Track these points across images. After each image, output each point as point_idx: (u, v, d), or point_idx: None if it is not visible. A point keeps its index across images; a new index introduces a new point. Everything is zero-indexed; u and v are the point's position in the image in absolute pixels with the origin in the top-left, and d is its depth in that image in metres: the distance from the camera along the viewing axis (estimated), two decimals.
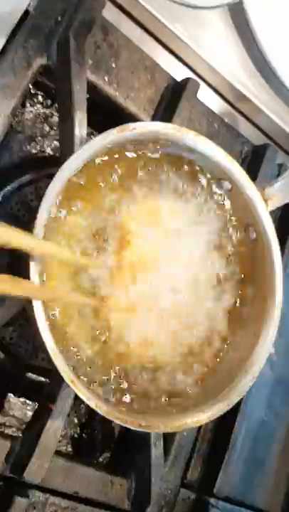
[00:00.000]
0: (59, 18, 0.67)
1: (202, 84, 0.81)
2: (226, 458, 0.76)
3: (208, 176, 0.64)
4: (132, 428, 0.53)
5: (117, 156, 0.59)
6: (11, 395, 0.72)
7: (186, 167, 0.63)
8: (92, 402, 0.50)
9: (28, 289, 0.48)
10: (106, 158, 0.59)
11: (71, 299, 0.56)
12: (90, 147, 0.52)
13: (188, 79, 0.75)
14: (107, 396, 0.57)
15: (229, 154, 0.63)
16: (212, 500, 0.75)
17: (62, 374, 0.49)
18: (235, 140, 0.83)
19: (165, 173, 0.63)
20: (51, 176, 0.72)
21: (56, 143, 0.77)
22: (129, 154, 0.60)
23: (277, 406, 0.86)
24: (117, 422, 0.52)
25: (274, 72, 0.86)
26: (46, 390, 0.62)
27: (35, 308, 0.49)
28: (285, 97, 0.89)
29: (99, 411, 0.51)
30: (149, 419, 0.55)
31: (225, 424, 0.77)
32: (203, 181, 0.64)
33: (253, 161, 0.84)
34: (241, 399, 0.61)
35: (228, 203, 0.66)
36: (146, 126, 0.56)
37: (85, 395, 0.50)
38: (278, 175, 0.86)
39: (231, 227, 0.67)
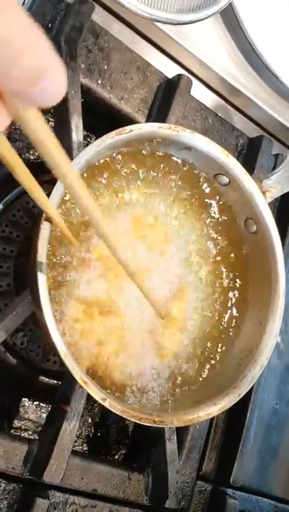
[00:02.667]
0: (49, 25, 0.68)
1: (194, 79, 0.81)
2: (240, 448, 0.77)
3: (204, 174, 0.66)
4: (147, 425, 0.54)
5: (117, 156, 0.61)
6: (25, 399, 0.73)
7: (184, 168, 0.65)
8: (106, 402, 0.51)
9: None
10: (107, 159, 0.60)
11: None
12: (87, 152, 0.53)
13: (179, 75, 0.75)
14: (120, 394, 0.58)
15: (225, 148, 0.63)
16: (229, 491, 0.76)
17: (75, 375, 0.50)
18: (230, 134, 0.84)
19: (161, 172, 0.64)
20: (51, 182, 0.73)
21: None
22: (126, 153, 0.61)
23: (288, 394, 0.87)
24: (132, 419, 0.53)
25: (264, 63, 0.87)
26: (59, 392, 0.63)
27: (44, 312, 0.50)
28: (276, 88, 0.90)
29: (113, 410, 0.51)
30: (163, 414, 0.56)
31: (237, 414, 0.78)
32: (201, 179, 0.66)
33: (249, 154, 0.85)
34: (252, 389, 0.62)
35: (226, 198, 0.67)
36: (143, 128, 0.56)
37: (98, 395, 0.51)
38: (275, 165, 0.87)
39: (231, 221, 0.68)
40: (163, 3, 0.72)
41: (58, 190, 0.53)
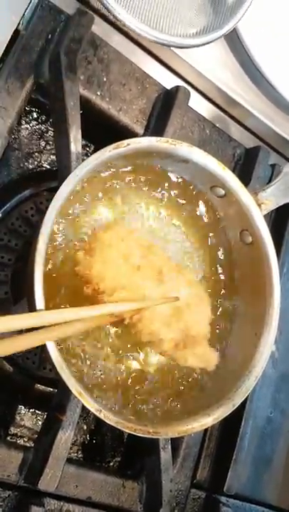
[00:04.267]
0: (49, 36, 0.68)
1: (192, 90, 0.82)
2: (234, 456, 0.78)
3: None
4: (142, 436, 0.54)
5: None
6: (21, 406, 0.74)
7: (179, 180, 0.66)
8: (101, 414, 0.52)
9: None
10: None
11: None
12: (85, 165, 0.54)
13: (178, 87, 0.76)
14: (115, 405, 0.58)
15: (222, 158, 0.65)
16: (222, 499, 0.77)
17: (70, 387, 0.50)
18: (227, 144, 0.85)
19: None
20: (50, 190, 0.74)
21: (53, 157, 0.79)
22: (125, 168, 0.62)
23: (282, 402, 0.87)
24: (127, 431, 0.53)
25: (262, 74, 0.87)
26: (55, 401, 0.63)
27: None
28: (273, 98, 0.91)
29: (108, 421, 0.52)
30: (157, 425, 0.56)
31: (231, 423, 0.79)
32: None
33: (246, 164, 0.85)
34: (246, 398, 0.63)
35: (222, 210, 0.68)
36: (141, 142, 0.57)
37: (93, 407, 0.51)
38: (271, 176, 0.88)
39: (226, 232, 0.69)
40: (166, 25, 0.72)
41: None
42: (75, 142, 0.63)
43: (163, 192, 0.65)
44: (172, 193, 0.66)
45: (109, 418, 0.52)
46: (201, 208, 0.68)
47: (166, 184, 0.65)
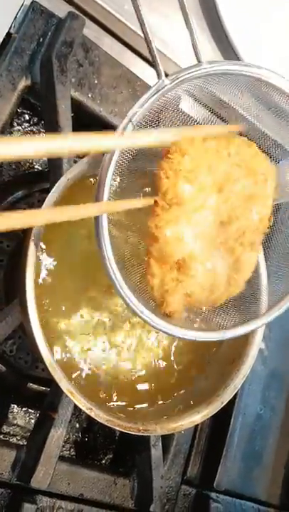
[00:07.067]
0: (41, 39, 0.69)
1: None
2: (224, 453, 0.79)
3: None
4: (132, 433, 0.55)
5: None
6: (14, 405, 0.75)
7: None
8: (92, 412, 0.53)
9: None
10: None
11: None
12: (75, 168, 0.55)
13: None
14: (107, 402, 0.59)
15: None
16: (213, 495, 0.78)
17: (62, 387, 0.51)
18: None
19: None
20: (42, 191, 0.75)
21: (44, 159, 0.79)
22: None
23: (272, 399, 0.89)
24: (117, 428, 0.55)
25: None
26: (47, 400, 0.64)
27: (32, 325, 0.52)
28: None
29: (98, 419, 0.53)
30: (147, 423, 0.58)
31: (221, 420, 0.80)
32: None
33: None
34: (236, 395, 0.64)
35: None
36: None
37: (84, 406, 0.52)
38: None
39: None
40: None
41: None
42: None
43: None
44: None
45: (100, 416, 0.53)
46: None
47: None
